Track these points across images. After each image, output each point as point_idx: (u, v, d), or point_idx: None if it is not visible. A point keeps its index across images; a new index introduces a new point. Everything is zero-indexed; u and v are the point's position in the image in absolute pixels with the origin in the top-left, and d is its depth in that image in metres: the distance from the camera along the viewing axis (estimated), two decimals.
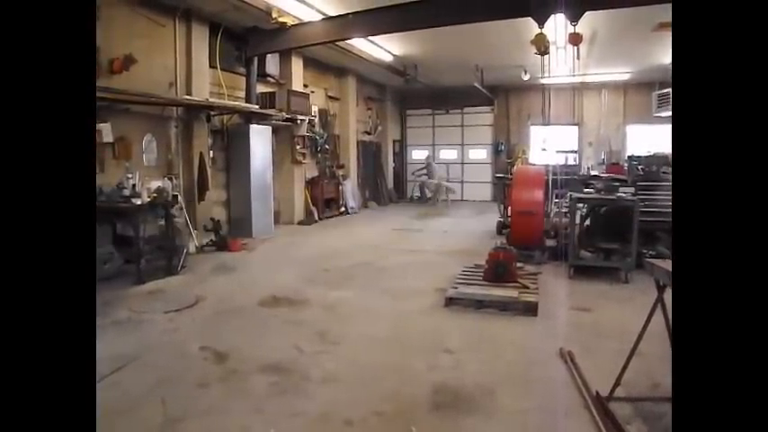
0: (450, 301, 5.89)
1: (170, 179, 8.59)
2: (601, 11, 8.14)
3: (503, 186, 11.25)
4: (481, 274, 6.51)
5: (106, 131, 8.01)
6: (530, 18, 7.72)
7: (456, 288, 6.14)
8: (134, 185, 7.54)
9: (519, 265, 6.64)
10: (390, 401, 3.71)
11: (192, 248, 8.92)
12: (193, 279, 7.38)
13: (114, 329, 5.27)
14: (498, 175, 13.44)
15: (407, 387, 3.93)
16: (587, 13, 7.46)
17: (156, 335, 5.13)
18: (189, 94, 9.45)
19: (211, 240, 9.64)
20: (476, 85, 15.69)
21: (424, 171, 17.82)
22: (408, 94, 19.27)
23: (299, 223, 12.79)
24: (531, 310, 5.57)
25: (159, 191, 7.72)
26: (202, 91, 9.73)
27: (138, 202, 7.29)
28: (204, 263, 8.34)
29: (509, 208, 9.58)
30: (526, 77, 15.29)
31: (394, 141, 20.07)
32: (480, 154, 20.06)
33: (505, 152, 19.32)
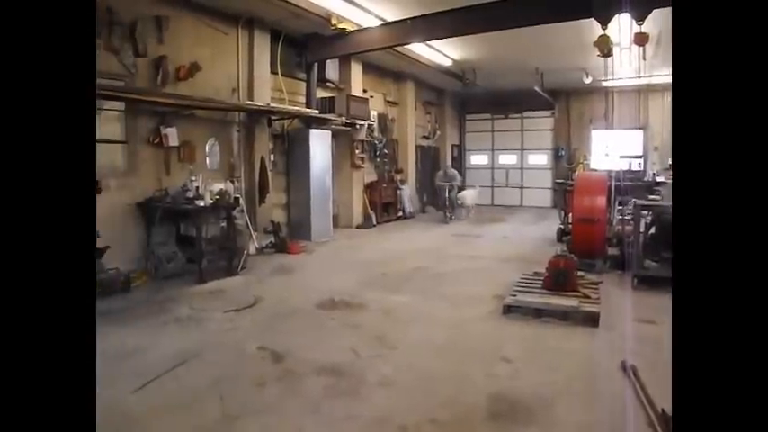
0: (509, 309, 5.72)
1: (232, 182, 8.76)
2: (668, 8, 7.78)
3: (563, 192, 10.95)
4: (541, 281, 6.29)
5: (172, 136, 8.27)
6: (592, 19, 7.47)
7: (515, 296, 5.96)
8: (197, 188, 7.71)
9: (580, 273, 6.40)
10: (446, 408, 3.63)
11: (252, 250, 9.05)
12: (253, 280, 7.47)
13: (176, 326, 5.40)
14: (558, 180, 13.12)
15: (464, 395, 3.84)
16: (654, 12, 7.13)
17: (215, 333, 5.20)
18: (251, 99, 9.62)
19: (271, 242, 9.77)
20: (536, 88, 15.37)
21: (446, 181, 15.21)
22: (467, 98, 19.07)
23: (358, 227, 12.82)
24: (592, 320, 5.34)
25: (221, 193, 7.87)
26: (264, 96, 9.88)
27: (202, 204, 7.45)
28: (264, 264, 8.44)
29: (570, 215, 9.29)
30: (588, 80, 14.86)
31: (452, 146, 19.88)
32: (540, 159, 19.60)
33: (566, 157, 18.80)
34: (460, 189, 15.73)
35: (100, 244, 6.53)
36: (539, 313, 5.58)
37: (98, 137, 7.46)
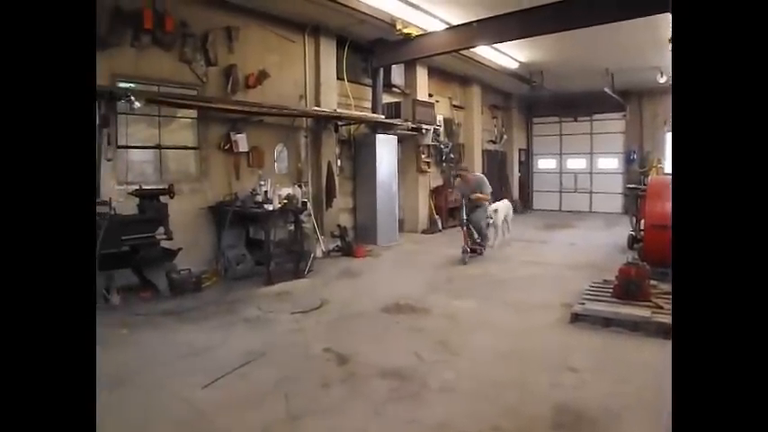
0: (577, 318, 5.43)
1: (300, 186, 8.83)
2: None
3: (635, 198, 10.38)
4: (610, 290, 5.92)
5: (242, 142, 8.44)
6: (669, 14, 7.06)
7: (583, 304, 5.64)
8: (266, 192, 7.78)
9: (652, 282, 5.99)
10: (509, 417, 3.46)
11: (318, 253, 9.08)
12: (319, 283, 7.46)
13: (244, 326, 5.46)
14: (630, 185, 12.48)
15: (528, 404, 3.66)
16: None
17: (282, 334, 5.22)
18: (318, 105, 9.68)
19: (337, 246, 9.77)
20: (606, 90, 14.76)
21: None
22: (534, 101, 18.56)
23: (423, 232, 12.66)
24: (664, 332, 4.94)
25: (289, 197, 7.92)
26: (330, 102, 9.93)
27: (270, 208, 7.52)
28: (330, 268, 8.44)
29: (642, 221, 8.80)
30: (662, 80, 14.13)
31: (520, 150, 19.40)
32: (610, 163, 18.71)
33: (638, 161, 17.89)
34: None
35: (173, 246, 6.70)
36: (608, 323, 5.25)
37: (172, 144, 7.78)
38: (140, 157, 7.52)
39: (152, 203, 6.61)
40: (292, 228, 8.25)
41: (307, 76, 9.72)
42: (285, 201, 7.80)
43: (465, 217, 9.28)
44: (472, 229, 9.52)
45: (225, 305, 6.22)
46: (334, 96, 10.14)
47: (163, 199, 6.73)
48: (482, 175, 10.40)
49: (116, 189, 6.83)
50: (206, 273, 7.44)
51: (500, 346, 4.84)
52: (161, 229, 6.58)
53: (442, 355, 4.59)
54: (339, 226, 10.08)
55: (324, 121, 9.87)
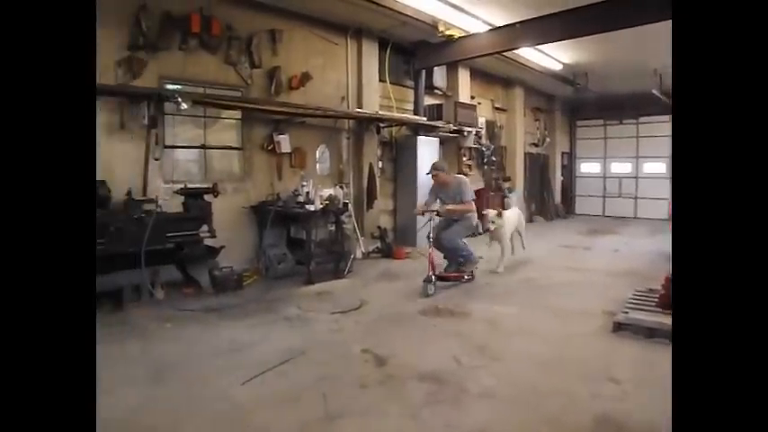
0: (619, 327, 5.19)
1: (341, 187, 8.78)
2: None
3: None
4: (655, 299, 5.63)
5: (285, 143, 8.48)
6: None
7: (626, 313, 5.39)
8: (308, 193, 7.81)
9: None
10: (548, 426, 3.34)
11: (358, 254, 9.04)
12: (359, 284, 7.42)
13: (285, 324, 5.46)
14: None
15: (567, 413, 3.52)
16: None
17: (321, 333, 5.19)
18: (360, 107, 9.68)
19: (377, 247, 9.73)
20: (653, 91, 14.28)
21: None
22: (578, 103, 18.12)
23: None
24: None
25: (331, 198, 7.90)
26: (372, 104, 9.91)
27: (312, 209, 7.52)
28: (370, 269, 8.40)
29: None
30: None
31: (562, 153, 18.99)
32: (657, 167, 17.91)
33: None
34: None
35: (216, 243, 6.76)
36: (651, 333, 4.99)
37: (217, 144, 7.87)
38: (186, 157, 7.64)
39: (196, 202, 6.70)
40: (333, 228, 8.23)
41: (349, 78, 9.72)
42: (327, 201, 7.78)
43: (432, 234, 7.11)
44: (448, 250, 7.34)
45: (265, 303, 6.24)
46: (376, 98, 10.11)
47: (207, 198, 6.81)
48: (464, 177, 7.89)
49: (162, 187, 6.96)
50: (247, 271, 7.50)
51: (540, 352, 4.69)
52: (205, 227, 6.65)
53: (482, 360, 4.48)
54: (379, 227, 10.03)
55: (366, 123, 9.84)
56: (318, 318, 5.67)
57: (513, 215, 9.07)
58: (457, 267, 7.38)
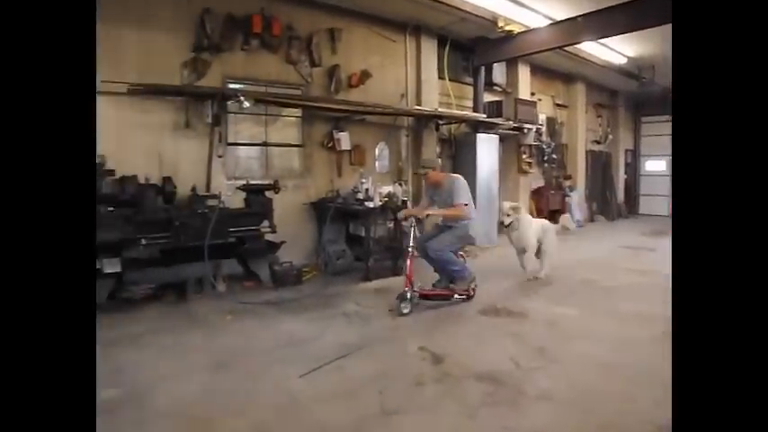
0: None
1: (400, 185, 8.70)
2: None
3: None
4: None
5: (344, 140, 8.49)
6: None
7: None
8: (367, 190, 7.77)
9: None
10: None
11: (416, 252, 8.89)
12: (416, 281, 7.25)
13: (342, 320, 5.43)
14: None
15: (628, 420, 3.32)
16: None
17: (378, 330, 5.13)
18: (419, 104, 9.55)
19: None
20: None
21: None
22: (643, 98, 17.31)
23: None
24: None
25: (390, 195, 7.84)
26: (431, 101, 9.77)
27: (371, 206, 7.48)
28: (427, 267, 8.21)
29: None
30: None
31: (626, 151, 18.21)
32: None
33: None
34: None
35: (276, 239, 6.80)
36: None
37: (278, 141, 7.95)
38: (247, 154, 7.77)
39: (258, 198, 6.77)
40: (391, 225, 8.15)
41: (408, 76, 9.62)
42: (386, 198, 7.73)
43: (413, 242, 6.12)
44: (436, 262, 6.30)
45: (324, 298, 6.23)
46: (435, 95, 9.96)
47: (268, 194, 6.86)
48: (458, 176, 6.41)
49: (225, 184, 7.10)
50: (306, 266, 7.55)
51: (601, 356, 4.44)
52: (266, 223, 6.71)
53: (540, 362, 4.30)
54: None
55: (425, 120, 9.69)
56: (376, 314, 5.61)
57: (535, 225, 7.60)
58: (447, 284, 6.24)
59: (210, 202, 6.35)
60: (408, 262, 5.89)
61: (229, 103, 7.03)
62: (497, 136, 10.95)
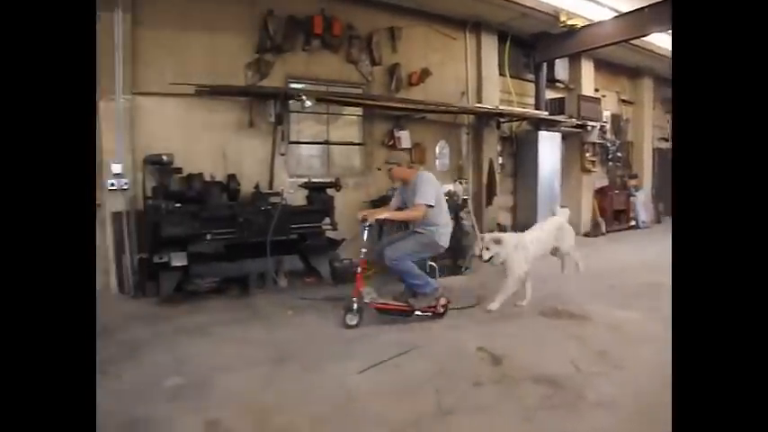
0: None
1: (460, 183, 8.57)
2: None
3: None
4: None
5: (405, 138, 8.43)
6: None
7: None
8: None
9: None
10: None
11: (477, 251, 8.69)
12: (476, 281, 7.13)
13: (402, 318, 5.29)
14: None
15: None
16: None
17: (437, 329, 5.02)
18: (479, 102, 9.36)
19: None
20: None
21: None
22: None
23: (585, 235, 11.63)
24: None
25: (450, 194, 7.74)
26: (492, 99, 9.55)
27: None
28: (487, 266, 7.99)
29: None
30: None
31: None
32: None
33: None
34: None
35: (337, 236, 6.83)
36: None
37: (339, 139, 8.00)
38: (309, 152, 7.87)
39: (319, 195, 6.81)
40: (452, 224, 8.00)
41: (468, 73, 9.44)
42: (446, 197, 7.57)
43: (364, 248, 5.27)
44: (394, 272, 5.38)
45: (383, 296, 6.12)
46: (495, 93, 9.73)
47: (329, 192, 6.89)
48: (426, 174, 5.51)
49: (287, 181, 7.19)
50: (367, 264, 7.42)
51: (665, 362, 4.13)
52: (327, 220, 6.74)
53: (602, 367, 4.06)
54: (498, 224, 9.64)
55: (485, 118, 9.49)
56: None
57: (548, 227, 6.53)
58: (407, 299, 5.28)
59: (273, 200, 6.44)
60: (359, 269, 5.18)
61: (291, 102, 7.11)
62: (559, 134, 10.65)
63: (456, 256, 7.63)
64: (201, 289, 5.90)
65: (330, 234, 6.78)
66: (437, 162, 9.06)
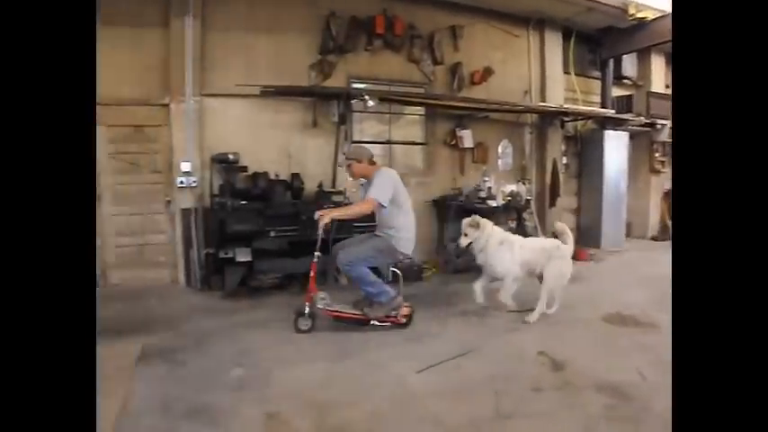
0: None
1: (523, 183, 8.34)
2: None
3: None
4: None
5: (467, 138, 8.30)
6: None
7: None
8: (489, 188, 7.58)
9: None
10: None
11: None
12: (538, 283, 6.81)
13: (461, 319, 5.27)
14: None
15: None
16: None
17: (497, 331, 4.90)
18: (543, 100, 9.08)
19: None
20: None
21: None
22: None
23: (652, 239, 11.03)
24: None
25: (513, 194, 7.63)
26: (556, 97, 9.23)
27: (494, 204, 7.31)
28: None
29: None
30: None
31: None
32: None
33: None
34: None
35: None
36: None
37: (401, 139, 7.97)
38: (371, 151, 7.73)
39: None
40: (514, 225, 7.79)
41: (531, 71, 9.15)
42: (509, 197, 7.51)
43: (318, 250, 4.82)
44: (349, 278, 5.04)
45: (443, 296, 6.08)
46: (560, 91, 9.40)
47: None
48: (385, 169, 5.10)
49: (350, 180, 7.12)
50: (427, 263, 7.42)
51: None
52: None
53: (669, 377, 3.75)
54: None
55: (549, 117, 9.19)
56: (494, 315, 5.34)
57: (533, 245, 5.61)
58: (363, 307, 4.85)
59: (336, 198, 6.48)
60: (311, 273, 4.78)
61: (354, 102, 7.12)
62: (627, 133, 10.14)
63: None
64: (264, 284, 6.00)
65: None
66: (500, 162, 8.85)
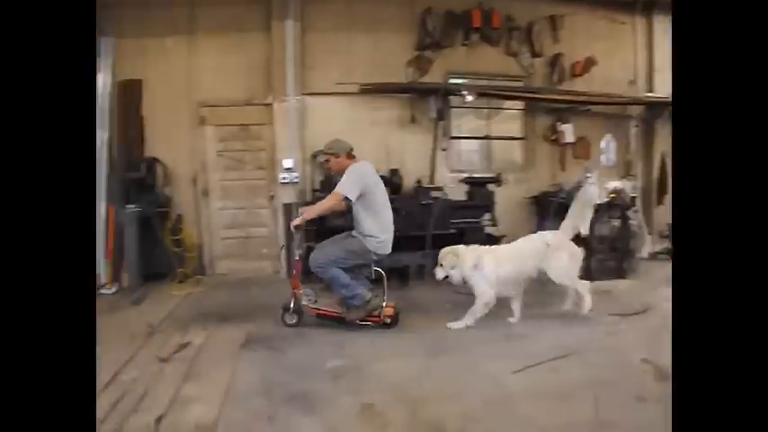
0: None
1: (628, 180, 7.87)
2: None
3: None
4: None
5: (568, 132, 7.98)
6: None
7: None
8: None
9: None
10: None
11: (644, 254, 7.90)
12: (642, 286, 6.44)
13: (559, 320, 5.02)
14: None
15: None
16: None
17: (597, 334, 4.62)
18: (650, 91, 8.52)
19: (666, 248, 8.38)
20: None
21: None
22: None
23: None
24: None
25: (617, 191, 7.14)
26: (665, 87, 8.52)
27: (597, 201, 6.81)
28: (656, 271, 7.24)
29: None
30: None
31: None
32: None
33: None
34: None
35: (497, 232, 6.66)
36: None
37: (499, 134, 7.92)
38: (469, 147, 7.82)
39: (480, 191, 6.74)
40: (617, 224, 7.35)
41: (638, 60, 8.59)
42: (613, 194, 7.05)
43: (298, 249, 4.85)
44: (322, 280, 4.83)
45: (542, 296, 5.77)
46: (669, 80, 8.70)
47: (490, 187, 6.77)
48: (358, 164, 4.81)
49: (448, 176, 7.18)
50: None
51: None
52: (487, 216, 6.61)
53: None
54: (669, 225, 8.70)
55: (657, 109, 8.54)
56: (596, 317, 5.03)
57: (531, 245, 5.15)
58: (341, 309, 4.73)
59: (434, 194, 6.49)
60: (294, 271, 4.79)
61: (452, 97, 7.09)
62: None
63: (621, 258, 7.04)
64: None
65: (489, 230, 6.62)
66: (602, 157, 8.31)
